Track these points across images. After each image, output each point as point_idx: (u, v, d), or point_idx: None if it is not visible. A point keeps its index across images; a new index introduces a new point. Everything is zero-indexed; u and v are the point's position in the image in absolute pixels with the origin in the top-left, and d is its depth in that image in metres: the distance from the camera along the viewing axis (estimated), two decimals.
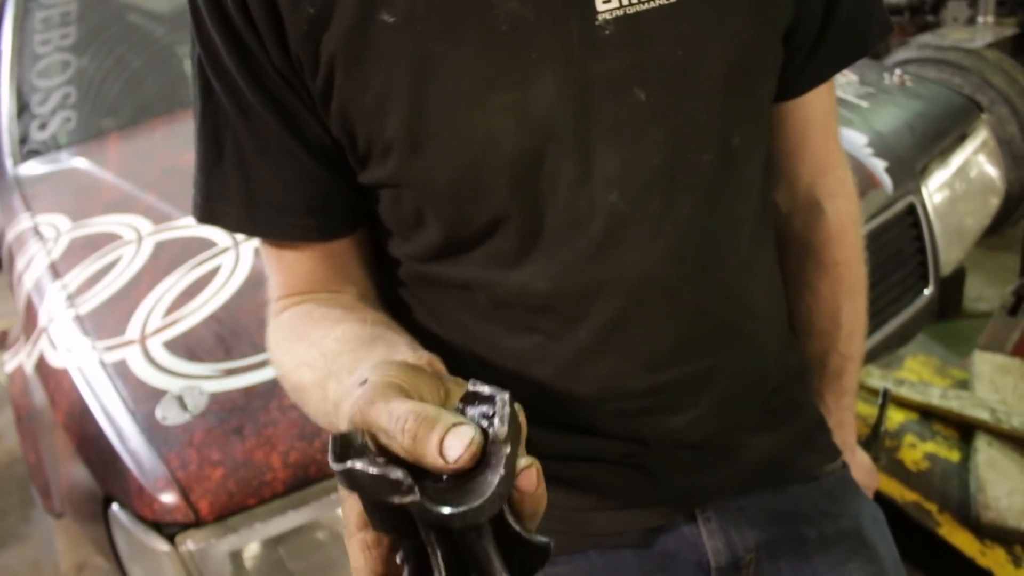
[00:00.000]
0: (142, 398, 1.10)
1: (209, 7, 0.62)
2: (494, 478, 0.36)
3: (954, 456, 1.76)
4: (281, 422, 1.04)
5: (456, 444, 0.38)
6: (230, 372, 1.11)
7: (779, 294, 0.83)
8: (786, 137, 0.81)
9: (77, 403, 1.16)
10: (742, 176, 0.71)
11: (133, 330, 1.24)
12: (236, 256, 1.33)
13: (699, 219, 0.68)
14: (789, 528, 0.80)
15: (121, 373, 1.15)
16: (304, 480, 0.99)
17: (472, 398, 0.42)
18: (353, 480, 0.37)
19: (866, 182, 1.39)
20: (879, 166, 1.41)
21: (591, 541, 0.79)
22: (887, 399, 0.99)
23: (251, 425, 1.03)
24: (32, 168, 2.04)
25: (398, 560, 0.39)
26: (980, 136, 1.69)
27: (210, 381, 1.10)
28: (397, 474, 0.36)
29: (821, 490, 0.82)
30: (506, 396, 0.40)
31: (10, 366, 1.54)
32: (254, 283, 1.26)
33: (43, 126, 2.14)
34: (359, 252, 0.76)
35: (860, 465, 0.97)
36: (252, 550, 0.98)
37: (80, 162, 1.97)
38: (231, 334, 1.17)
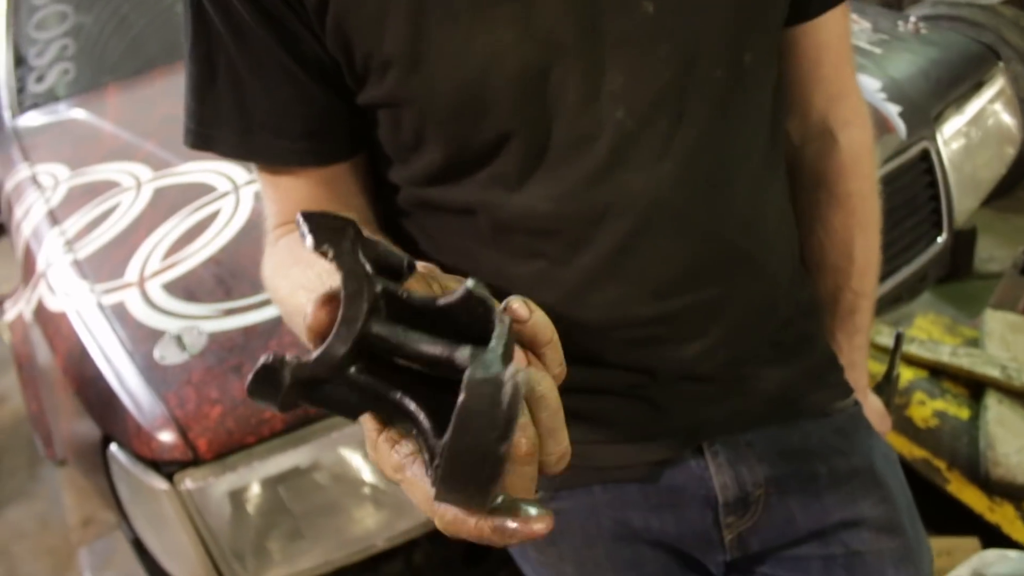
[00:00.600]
0: (140, 339, 1.08)
1: None
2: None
3: (964, 414, 1.75)
4: None
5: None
6: (229, 312, 1.09)
7: (790, 225, 0.80)
8: (799, 63, 0.78)
9: (76, 346, 1.14)
10: (754, 97, 0.68)
11: (132, 273, 1.22)
12: (236, 200, 1.31)
13: (709, 139, 0.65)
14: (799, 464, 0.78)
15: (119, 315, 1.14)
16: (304, 419, 0.98)
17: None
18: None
19: (880, 126, 1.35)
20: (893, 111, 1.38)
21: (596, 475, 0.77)
22: (900, 342, 0.97)
23: (250, 364, 1.00)
24: (31, 119, 2.02)
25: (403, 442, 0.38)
26: (997, 84, 1.65)
27: (209, 321, 1.08)
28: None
29: (832, 426, 0.80)
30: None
31: (10, 315, 1.53)
32: (254, 226, 1.23)
33: (40, 78, 2.12)
34: (358, 179, 0.74)
35: (872, 409, 0.95)
36: (252, 489, 0.97)
37: (79, 113, 1.95)
38: (231, 275, 1.15)
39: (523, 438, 0.35)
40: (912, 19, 1.70)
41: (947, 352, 1.83)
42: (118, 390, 1.03)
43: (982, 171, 1.58)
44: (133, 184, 1.47)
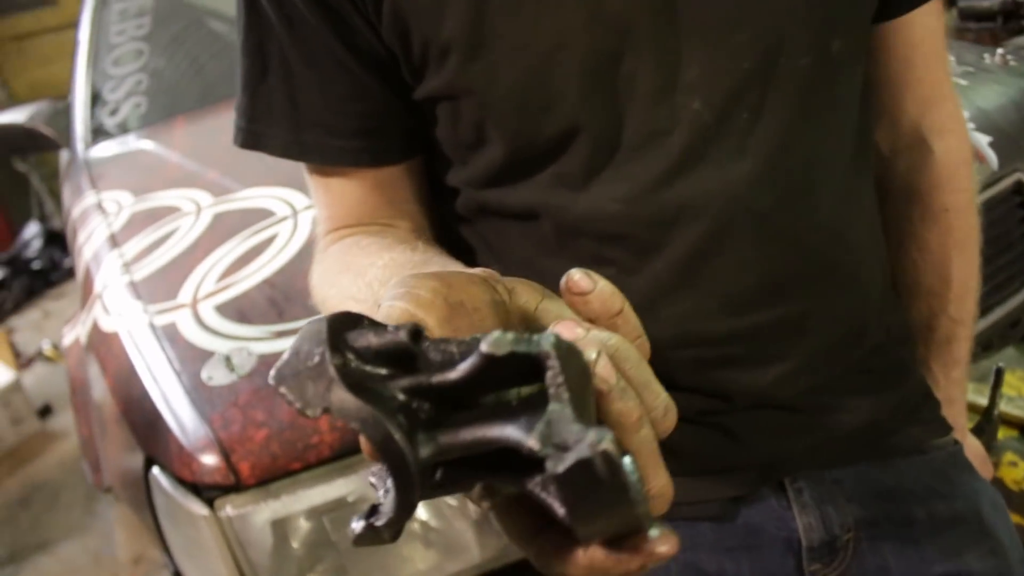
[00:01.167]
0: (189, 359, 1.05)
1: None
2: None
3: None
4: None
5: None
6: (280, 334, 1.06)
7: (880, 241, 0.73)
8: (889, 63, 0.71)
9: (125, 366, 1.12)
10: (842, 93, 0.62)
11: (185, 294, 1.20)
12: (294, 224, 1.29)
13: (792, 137, 0.59)
14: (894, 506, 0.69)
15: (170, 335, 1.11)
16: (353, 446, 0.93)
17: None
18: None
19: None
20: (983, 140, 1.29)
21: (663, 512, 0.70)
22: (1000, 378, 0.88)
23: None
24: (102, 150, 2.06)
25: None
26: None
27: (259, 343, 1.04)
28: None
29: (930, 467, 0.72)
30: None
31: (68, 339, 1.53)
32: (310, 251, 1.21)
33: (114, 111, 2.18)
34: (413, 184, 0.70)
35: (972, 452, 0.85)
36: (295, 520, 0.92)
37: (147, 144, 1.98)
38: (284, 298, 1.12)
39: (629, 401, 0.32)
40: (999, 52, 1.62)
41: None
42: (163, 410, 0.99)
43: None
44: (193, 209, 1.47)
